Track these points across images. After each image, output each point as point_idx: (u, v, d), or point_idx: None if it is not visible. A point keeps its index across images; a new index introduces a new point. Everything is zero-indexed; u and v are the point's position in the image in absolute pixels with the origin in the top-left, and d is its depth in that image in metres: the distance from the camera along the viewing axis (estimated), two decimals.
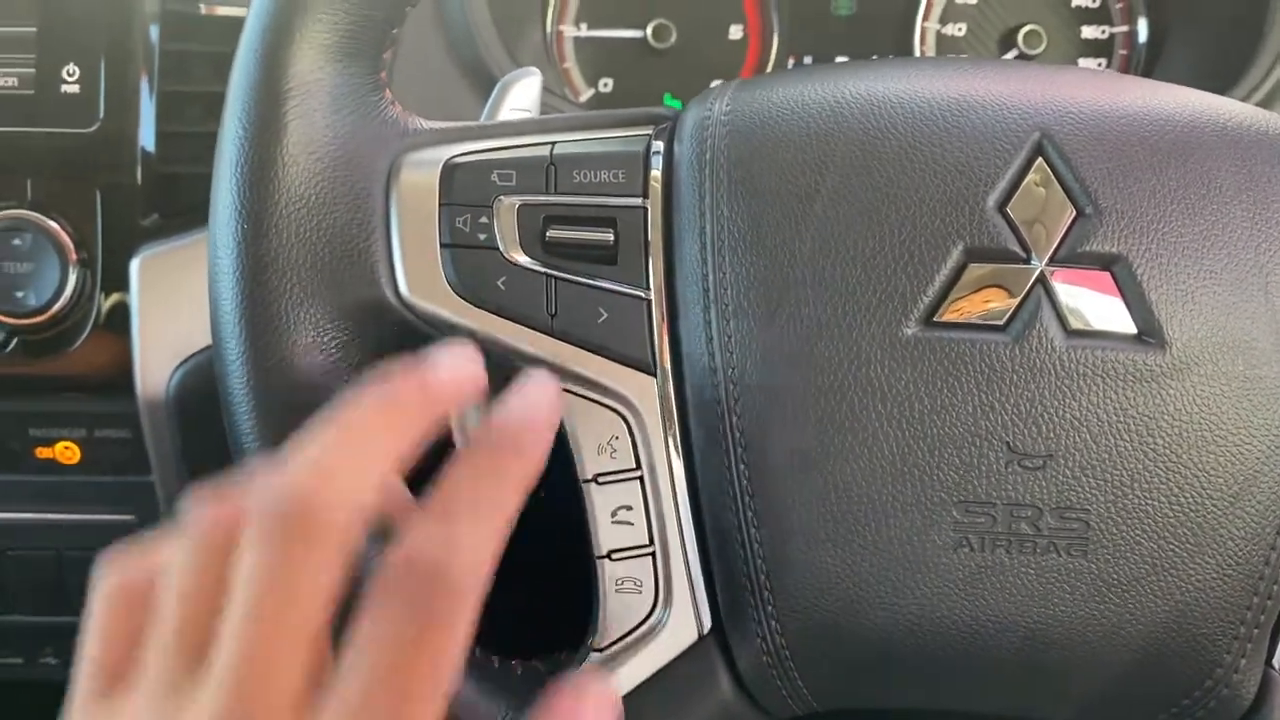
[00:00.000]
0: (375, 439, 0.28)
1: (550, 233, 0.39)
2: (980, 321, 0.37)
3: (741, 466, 0.38)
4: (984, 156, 0.37)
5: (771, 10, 0.78)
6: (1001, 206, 0.37)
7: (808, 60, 0.79)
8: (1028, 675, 0.39)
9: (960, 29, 0.78)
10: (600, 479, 0.39)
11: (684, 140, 0.40)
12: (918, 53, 0.78)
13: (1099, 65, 0.78)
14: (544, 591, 0.49)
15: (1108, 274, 0.37)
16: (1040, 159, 0.37)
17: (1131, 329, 0.37)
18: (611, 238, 0.39)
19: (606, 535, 0.39)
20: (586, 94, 0.79)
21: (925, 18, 0.78)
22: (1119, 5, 0.78)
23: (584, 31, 0.79)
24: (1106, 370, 0.36)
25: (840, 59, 0.79)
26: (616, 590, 0.39)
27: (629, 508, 0.39)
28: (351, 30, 0.38)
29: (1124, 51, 0.78)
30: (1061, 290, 0.37)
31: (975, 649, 0.38)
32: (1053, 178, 0.37)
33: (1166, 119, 0.38)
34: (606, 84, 0.79)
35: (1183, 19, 0.75)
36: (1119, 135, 0.38)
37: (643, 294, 0.39)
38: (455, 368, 0.30)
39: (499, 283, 0.39)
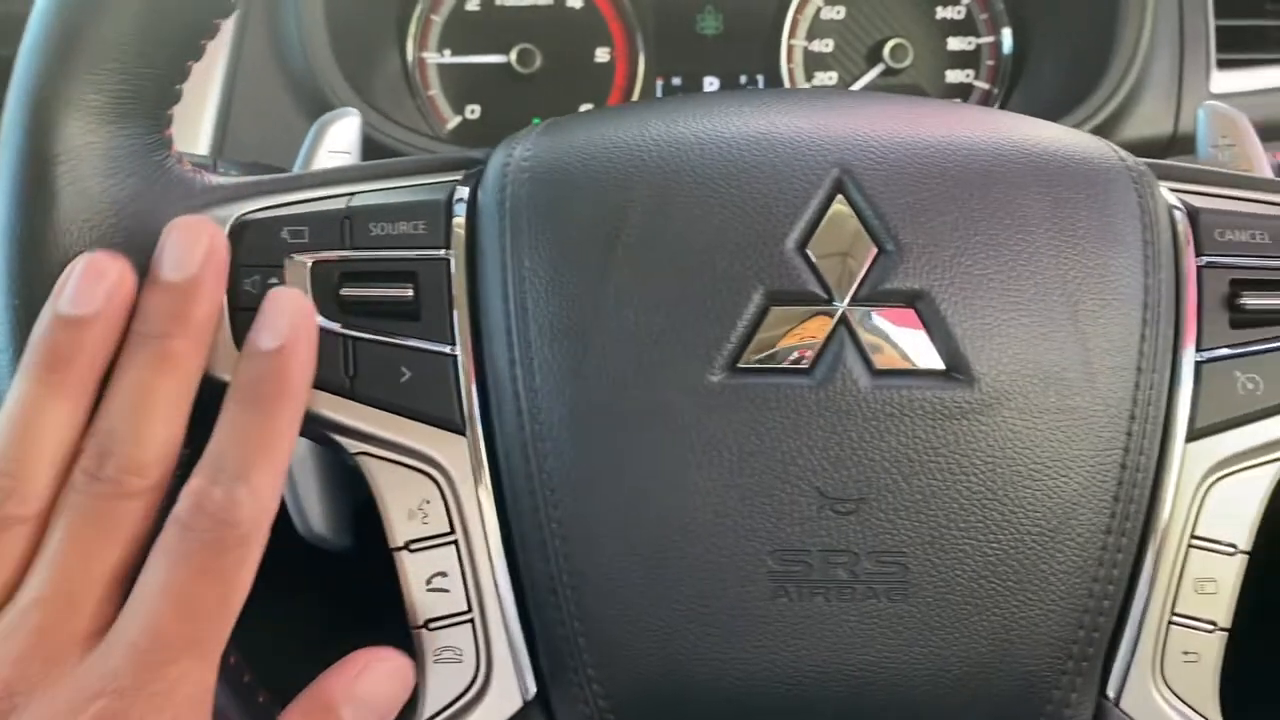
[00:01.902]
0: (163, 393, 0.34)
1: (345, 290, 0.37)
2: (785, 366, 0.36)
3: (554, 525, 0.36)
4: (783, 195, 0.36)
5: (636, 32, 0.77)
6: (802, 247, 0.36)
7: (676, 81, 0.78)
8: None
9: (827, 45, 0.78)
10: (412, 546, 0.37)
11: (487, 187, 0.39)
12: (785, 70, 0.77)
13: (967, 76, 0.78)
14: None
15: (912, 310, 0.36)
16: (840, 195, 0.36)
17: (939, 365, 0.36)
18: (412, 293, 0.37)
19: (422, 604, 0.37)
20: (453, 122, 0.77)
21: (792, 35, 0.78)
22: (984, 16, 0.78)
23: (447, 58, 0.77)
24: (914, 409, 0.36)
25: (709, 79, 0.78)
26: (436, 661, 0.37)
27: (444, 574, 0.37)
28: (124, 90, 0.36)
29: (991, 62, 0.78)
30: (865, 330, 0.36)
31: (802, 700, 0.37)
32: (853, 215, 0.36)
33: (970, 149, 0.38)
34: (474, 111, 0.78)
35: (1044, 29, 0.75)
36: (920, 168, 0.37)
37: (447, 350, 0.37)
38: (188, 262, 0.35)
39: None
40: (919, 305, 0.36)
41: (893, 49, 0.76)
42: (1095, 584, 0.37)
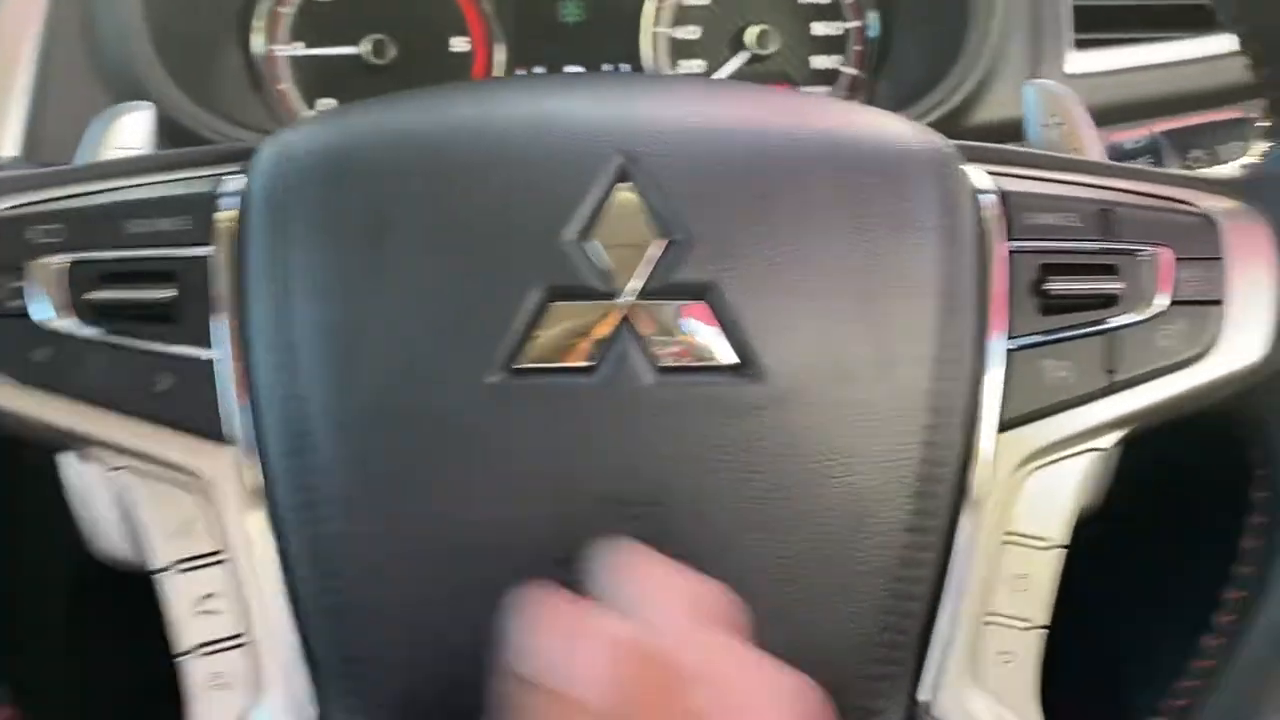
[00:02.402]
0: None
1: (99, 294, 0.35)
2: (566, 365, 0.34)
3: (328, 540, 0.34)
4: (563, 184, 0.34)
5: (494, 20, 0.75)
6: (583, 237, 0.34)
7: (539, 70, 0.76)
8: None
9: (694, 32, 0.76)
10: (177, 567, 0.35)
11: (256, 179, 0.36)
12: (649, 57, 0.75)
13: (834, 62, 0.77)
14: None
15: (702, 303, 0.34)
16: (626, 182, 0.34)
17: (729, 360, 0.34)
18: (173, 294, 0.35)
19: (189, 629, 0.35)
20: (306, 115, 0.74)
21: (655, 22, 0.75)
22: (849, 1, 0.77)
23: (299, 50, 0.74)
24: (703, 406, 0.34)
25: (571, 68, 0.76)
26: (206, 688, 0.35)
27: (213, 595, 0.35)
28: None
29: (858, 47, 0.77)
30: (652, 325, 0.34)
31: None
32: (640, 203, 0.34)
33: (764, 134, 0.36)
34: (327, 104, 0.75)
35: (907, 13, 0.74)
36: (711, 153, 0.35)
37: (206, 355, 0.35)
38: None
39: (36, 355, 0.34)
40: (709, 297, 0.34)
41: (758, 35, 0.74)
42: (899, 584, 0.35)
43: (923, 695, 0.36)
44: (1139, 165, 0.41)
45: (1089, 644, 0.50)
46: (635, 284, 0.34)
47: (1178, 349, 0.37)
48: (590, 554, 0.33)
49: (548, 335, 0.34)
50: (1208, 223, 0.38)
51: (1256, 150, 0.39)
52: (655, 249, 0.34)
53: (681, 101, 0.37)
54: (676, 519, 0.34)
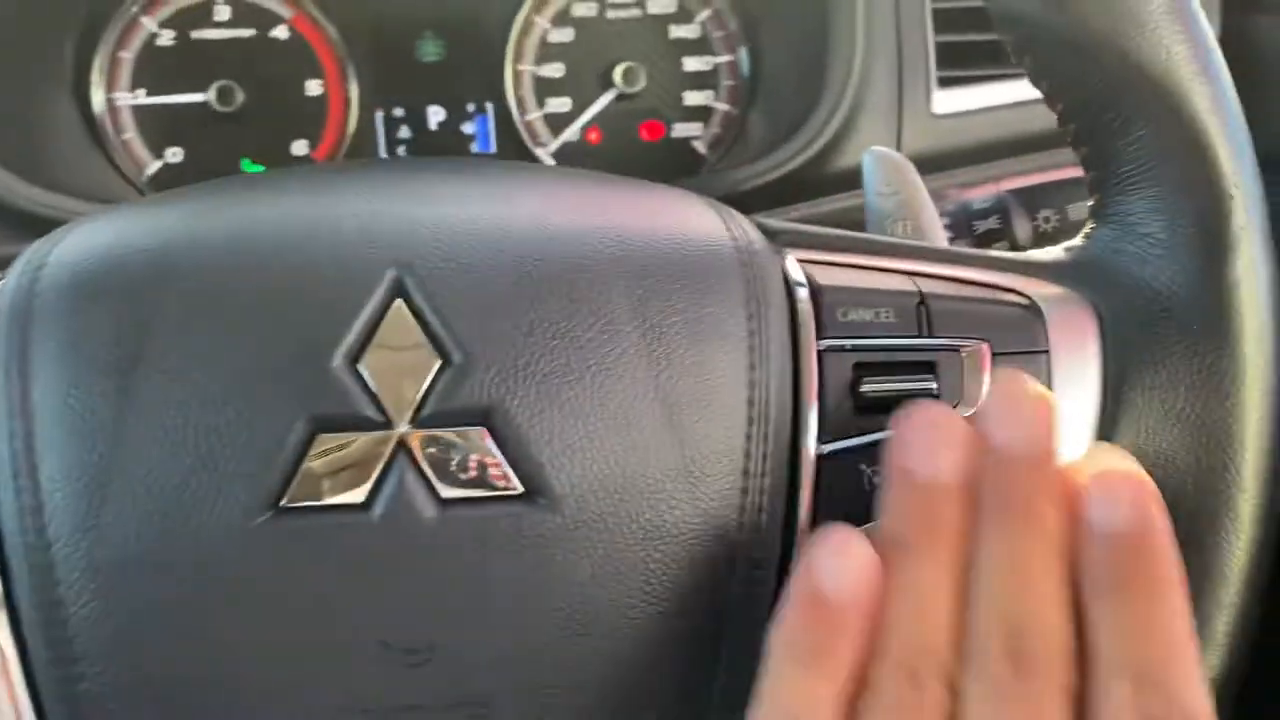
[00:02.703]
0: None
1: None
2: (337, 502, 0.31)
3: (87, 703, 0.31)
4: (331, 303, 0.32)
5: (348, 62, 0.72)
6: (353, 362, 0.31)
7: (398, 112, 0.73)
8: None
9: (558, 69, 0.74)
10: None
11: (4, 295, 0.33)
12: (512, 98, 0.73)
13: (707, 98, 0.75)
14: None
15: (484, 428, 0.32)
16: (399, 300, 0.32)
17: (515, 489, 0.32)
18: None
19: None
20: (153, 167, 0.71)
21: (518, 60, 0.73)
22: (719, 34, 0.75)
23: (141, 99, 0.70)
24: (488, 540, 0.31)
25: (433, 109, 0.73)
26: None
27: None
28: None
29: (730, 83, 0.75)
30: (430, 454, 0.31)
31: None
32: (413, 322, 0.32)
33: (551, 238, 0.33)
34: (176, 154, 0.71)
35: (773, 49, 0.72)
36: (494, 262, 0.32)
37: None
38: None
39: None
40: (493, 422, 0.32)
41: (624, 72, 0.72)
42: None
43: None
44: (963, 248, 0.39)
45: None
46: (410, 410, 0.31)
47: None
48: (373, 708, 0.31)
49: (314, 470, 0.31)
50: (1032, 313, 0.36)
51: (1083, 231, 0.38)
52: (431, 371, 0.31)
53: (465, 200, 0.34)
54: (463, 663, 0.31)
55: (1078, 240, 0.38)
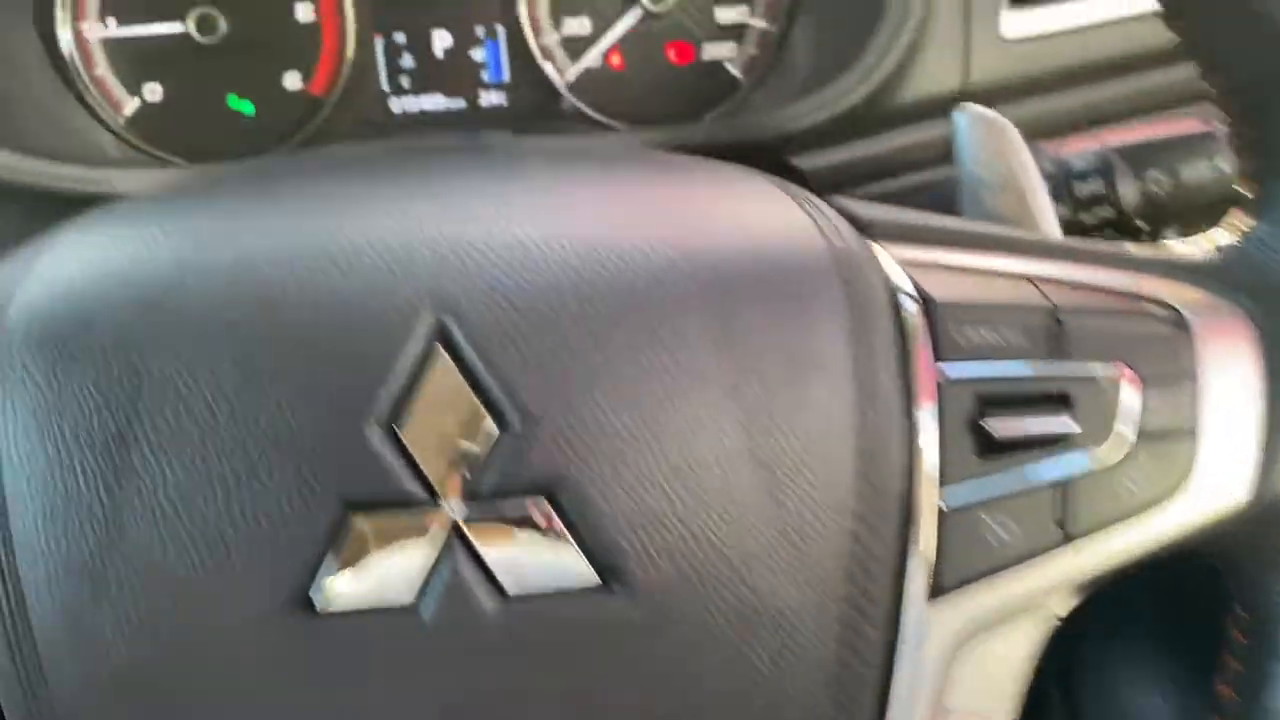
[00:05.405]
0: None
1: None
2: (379, 603, 0.26)
3: None
4: (363, 356, 0.26)
5: None
6: (391, 430, 0.26)
7: (399, 38, 0.65)
8: None
9: None
10: None
11: None
12: (525, 18, 0.65)
13: (741, 14, 0.67)
14: None
15: (549, 505, 0.26)
16: (441, 349, 0.26)
17: (590, 578, 0.27)
18: None
19: None
20: (130, 107, 0.64)
21: None
22: None
23: (113, 30, 0.63)
24: (562, 639, 0.26)
25: (438, 34, 0.66)
26: None
27: None
28: None
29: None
30: (488, 539, 0.26)
31: None
32: (460, 379, 0.26)
33: (609, 261, 0.28)
34: (154, 91, 0.64)
35: None
36: (547, 301, 0.27)
37: None
38: None
39: None
40: (559, 497, 0.26)
41: None
42: None
43: None
44: (1093, 243, 0.33)
45: None
46: (461, 488, 0.26)
47: (1142, 493, 0.30)
48: None
49: (351, 561, 0.26)
50: (1177, 328, 0.31)
51: (1232, 222, 0.32)
52: (486, 440, 0.26)
53: (508, 213, 0.28)
54: None
55: (1228, 237, 0.32)
